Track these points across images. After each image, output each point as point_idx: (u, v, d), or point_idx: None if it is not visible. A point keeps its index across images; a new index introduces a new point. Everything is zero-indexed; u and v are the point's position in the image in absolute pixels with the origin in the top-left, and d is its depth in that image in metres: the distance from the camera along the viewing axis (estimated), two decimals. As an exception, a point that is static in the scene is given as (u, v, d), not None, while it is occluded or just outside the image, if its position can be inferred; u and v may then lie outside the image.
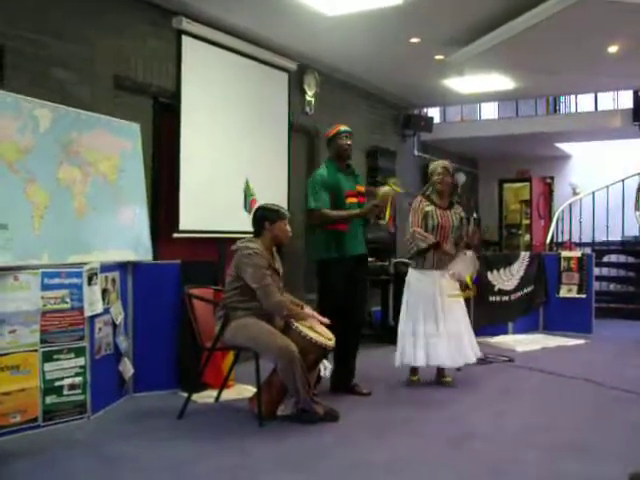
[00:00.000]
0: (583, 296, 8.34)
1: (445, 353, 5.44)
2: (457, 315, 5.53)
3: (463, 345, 5.51)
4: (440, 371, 5.68)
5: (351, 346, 5.34)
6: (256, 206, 5.08)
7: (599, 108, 11.99)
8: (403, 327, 5.61)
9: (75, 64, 5.52)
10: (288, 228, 4.76)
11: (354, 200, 5.34)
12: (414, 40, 7.53)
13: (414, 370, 5.69)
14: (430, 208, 5.57)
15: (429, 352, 5.45)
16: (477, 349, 5.66)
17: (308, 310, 4.74)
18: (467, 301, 6.80)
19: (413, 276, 5.62)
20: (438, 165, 5.69)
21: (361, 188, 5.48)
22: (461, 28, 7.12)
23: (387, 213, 5.30)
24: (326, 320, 4.66)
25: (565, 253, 8.85)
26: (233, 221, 6.84)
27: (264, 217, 4.71)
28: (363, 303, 5.52)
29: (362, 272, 5.48)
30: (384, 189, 5.39)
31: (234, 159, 7.08)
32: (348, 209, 5.28)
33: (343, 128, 5.42)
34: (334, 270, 5.22)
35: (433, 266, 5.51)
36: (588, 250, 9.75)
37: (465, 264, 5.53)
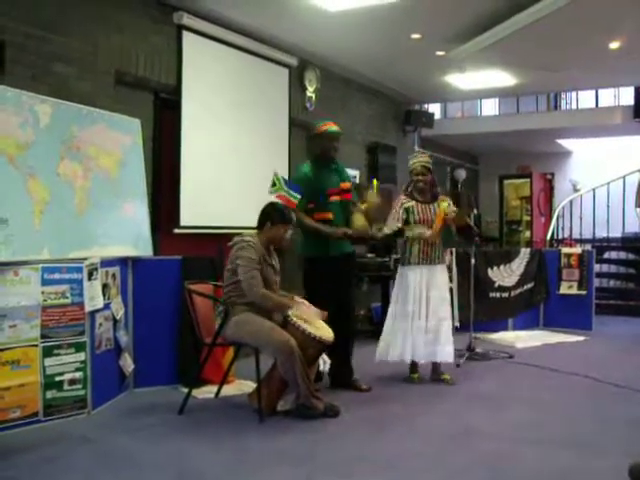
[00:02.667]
0: (583, 293, 8.33)
1: (420, 349, 5.44)
2: (440, 312, 5.51)
3: (440, 343, 5.48)
4: (435, 368, 5.66)
5: (345, 343, 5.31)
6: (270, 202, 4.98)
7: (600, 104, 11.99)
8: (387, 323, 5.64)
9: (76, 59, 5.51)
10: (287, 235, 4.74)
11: (337, 198, 5.30)
12: (415, 36, 7.52)
13: (414, 368, 5.67)
14: (410, 204, 5.58)
15: (405, 348, 5.46)
16: (450, 355, 5.53)
17: (297, 299, 4.74)
18: (467, 298, 6.83)
19: (399, 272, 5.67)
20: (417, 164, 5.61)
21: (346, 185, 5.40)
22: (462, 24, 7.11)
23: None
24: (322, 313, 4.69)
25: (565, 250, 8.84)
26: (234, 217, 6.84)
27: (268, 216, 4.71)
28: (351, 300, 5.48)
29: (348, 269, 5.46)
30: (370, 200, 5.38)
31: (235, 154, 7.07)
32: (331, 207, 5.26)
33: (331, 128, 5.32)
34: (319, 268, 5.21)
35: (418, 262, 5.53)
36: (588, 247, 9.75)
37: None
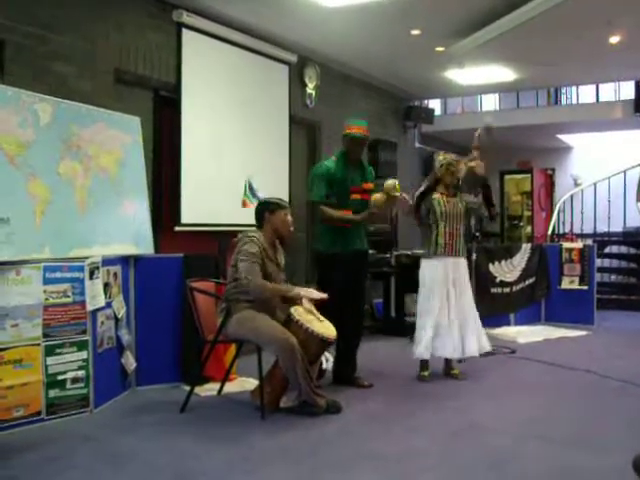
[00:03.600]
0: (585, 287, 8.33)
1: (450, 344, 5.44)
2: (466, 306, 5.54)
3: (467, 337, 5.50)
4: (448, 363, 5.67)
5: (352, 340, 5.34)
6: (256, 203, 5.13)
7: (600, 99, 11.97)
8: (418, 320, 5.61)
9: (75, 58, 5.51)
10: (289, 219, 4.77)
11: (358, 197, 5.29)
12: (415, 32, 7.51)
13: (424, 365, 5.62)
14: (435, 196, 5.61)
15: (435, 344, 5.45)
16: (485, 342, 5.62)
17: (298, 290, 4.70)
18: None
19: (425, 267, 5.63)
20: (445, 162, 5.64)
21: (368, 186, 5.37)
22: (462, 19, 7.10)
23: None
24: (322, 295, 4.67)
25: (567, 244, 8.84)
26: (234, 214, 6.84)
27: (264, 209, 4.74)
28: (362, 298, 5.51)
29: (362, 267, 5.48)
30: (388, 185, 5.32)
31: (235, 152, 7.07)
32: (351, 205, 5.25)
33: (354, 134, 5.25)
34: (335, 264, 5.21)
35: (444, 252, 5.53)
36: (589, 241, 9.74)
37: None
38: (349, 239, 5.29)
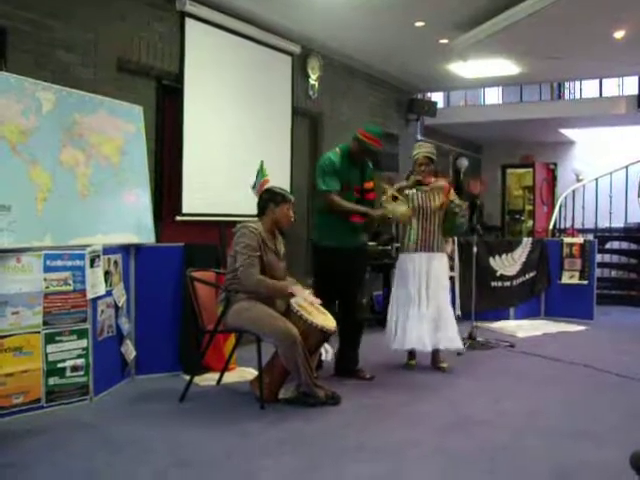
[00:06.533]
0: (585, 282, 8.33)
1: (417, 336, 5.42)
2: (440, 300, 5.52)
3: (441, 330, 5.47)
4: (435, 356, 5.67)
5: (353, 333, 5.33)
6: (265, 187, 5.12)
7: (604, 94, 11.95)
8: (390, 311, 5.65)
9: (78, 46, 5.50)
10: (291, 213, 4.77)
11: (357, 196, 5.29)
12: (418, 24, 7.49)
13: (411, 354, 5.71)
14: (410, 192, 5.58)
15: (408, 336, 5.44)
16: (456, 340, 5.55)
17: (297, 288, 4.69)
18: (468, 286, 6.84)
19: (400, 260, 5.68)
20: (420, 154, 5.61)
21: (369, 185, 5.36)
22: (466, 12, 7.08)
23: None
24: (316, 300, 4.67)
25: (568, 239, 8.84)
26: (236, 204, 6.83)
27: (269, 199, 4.73)
28: (361, 290, 5.44)
29: (362, 261, 5.49)
30: (402, 210, 5.28)
31: (237, 142, 7.06)
32: (350, 201, 5.24)
33: (373, 147, 5.20)
34: (336, 257, 5.21)
35: (417, 249, 5.54)
36: (591, 237, 9.74)
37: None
38: (351, 233, 5.28)
